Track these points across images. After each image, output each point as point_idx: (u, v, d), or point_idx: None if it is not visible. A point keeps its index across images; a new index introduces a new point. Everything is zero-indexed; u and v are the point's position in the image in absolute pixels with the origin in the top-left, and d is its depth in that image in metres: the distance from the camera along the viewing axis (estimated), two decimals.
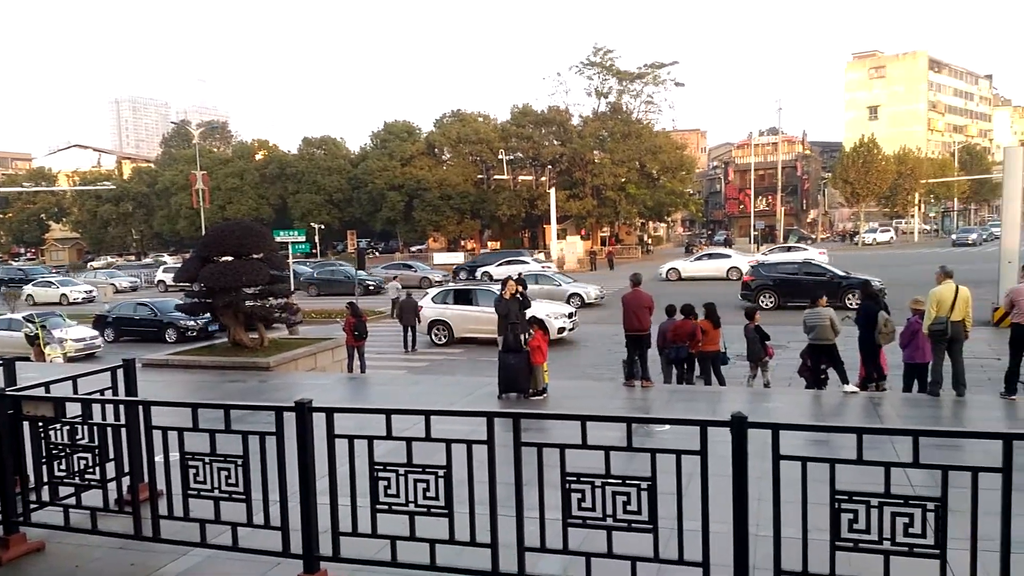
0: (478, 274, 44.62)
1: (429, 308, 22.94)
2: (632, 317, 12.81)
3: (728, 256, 42.70)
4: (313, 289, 42.04)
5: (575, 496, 4.43)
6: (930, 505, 3.93)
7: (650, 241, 76.50)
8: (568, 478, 4.43)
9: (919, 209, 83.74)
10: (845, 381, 11.93)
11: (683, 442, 4.35)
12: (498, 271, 41.69)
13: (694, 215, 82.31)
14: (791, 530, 4.11)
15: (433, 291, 24.79)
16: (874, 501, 3.98)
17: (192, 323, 25.57)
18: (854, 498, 4.02)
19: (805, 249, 49.32)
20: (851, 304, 24.75)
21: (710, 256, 43.99)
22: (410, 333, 21.86)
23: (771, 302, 27.25)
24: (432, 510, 4.70)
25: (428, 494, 4.71)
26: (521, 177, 64.25)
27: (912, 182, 76.48)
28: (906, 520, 3.95)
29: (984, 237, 63.21)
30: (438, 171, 69.41)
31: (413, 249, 75.36)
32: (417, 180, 67.73)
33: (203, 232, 27.81)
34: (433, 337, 22.67)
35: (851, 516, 4.02)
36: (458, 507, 4.64)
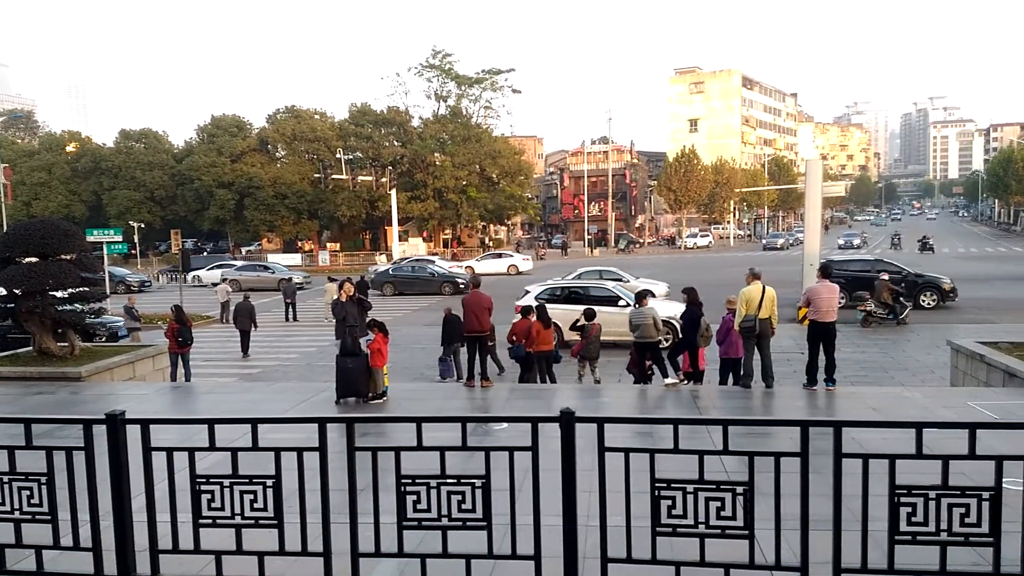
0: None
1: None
2: (472, 318, 12.95)
3: (511, 256, 52.63)
4: (389, 288, 37.59)
5: (410, 498, 4.42)
6: (739, 489, 4.25)
7: (491, 244, 77.63)
8: (403, 481, 4.41)
9: (734, 216, 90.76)
10: (665, 375, 12.70)
11: (518, 439, 4.45)
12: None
13: (533, 219, 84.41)
14: (617, 519, 4.31)
15: (537, 289, 21.51)
16: (690, 488, 4.26)
17: None
18: (672, 485, 4.28)
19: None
20: (927, 304, 25.35)
21: (495, 256, 53.17)
22: (246, 338, 20.93)
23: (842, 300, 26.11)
24: (260, 521, 4.53)
25: (256, 505, 4.53)
26: (361, 177, 63.11)
27: (728, 191, 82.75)
28: (719, 504, 4.25)
29: (791, 242, 69.36)
30: (272, 169, 66.77)
31: (245, 250, 72.04)
32: (249, 178, 64.79)
33: (2, 230, 25.10)
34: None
35: (670, 503, 4.28)
36: (290, 517, 4.50)
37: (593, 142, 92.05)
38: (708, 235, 79.72)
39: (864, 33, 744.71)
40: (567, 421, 4.25)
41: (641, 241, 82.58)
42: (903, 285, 24.89)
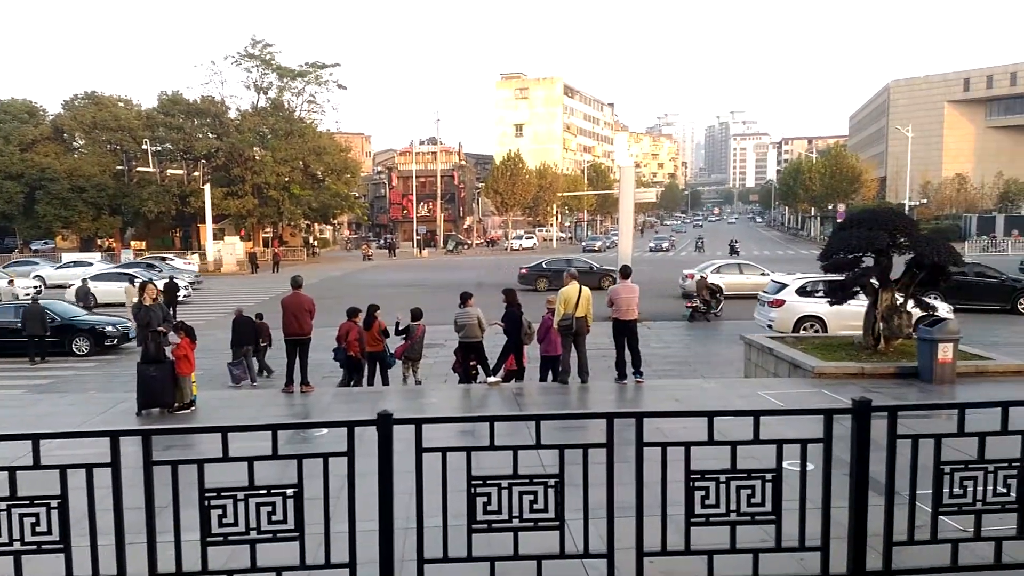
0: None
1: (797, 302, 19.50)
2: (291, 320, 12.51)
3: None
4: (544, 283, 35.10)
5: (215, 512, 4.19)
6: (551, 482, 4.41)
7: (316, 243, 75.34)
8: (208, 495, 4.18)
9: (557, 219, 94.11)
10: (488, 374, 12.94)
11: (337, 445, 4.34)
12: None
13: (360, 218, 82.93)
14: (436, 519, 4.33)
15: (798, 283, 20.43)
16: (504, 483, 4.35)
17: None
18: (488, 482, 4.36)
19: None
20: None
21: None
22: (39, 344, 19.03)
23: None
24: (43, 547, 4.12)
25: (39, 529, 4.11)
26: (171, 171, 58.96)
27: (551, 195, 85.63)
28: (531, 497, 4.39)
29: (608, 244, 72.87)
30: (68, 160, 60.85)
31: (35, 247, 65.25)
32: (41, 169, 58.65)
33: None
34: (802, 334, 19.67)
35: (485, 499, 4.35)
36: (81, 539, 4.12)
37: (422, 142, 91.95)
38: (533, 237, 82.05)
39: (674, 49, 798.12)
40: (384, 423, 4.20)
41: (469, 243, 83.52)
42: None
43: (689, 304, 25.30)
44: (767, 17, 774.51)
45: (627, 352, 12.33)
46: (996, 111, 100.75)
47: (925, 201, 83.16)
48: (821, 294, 18.43)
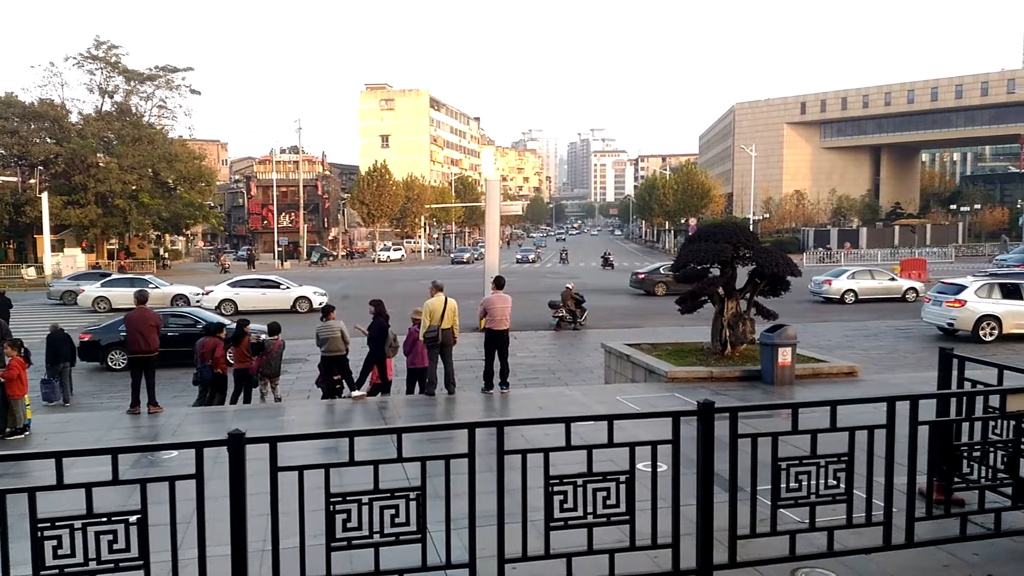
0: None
1: (976, 303, 21.13)
2: (138, 338, 11.77)
3: None
4: (662, 288, 36.09)
5: (49, 544, 3.88)
6: (412, 495, 4.38)
7: (167, 255, 71.29)
8: (40, 525, 3.86)
9: (425, 230, 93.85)
10: (352, 388, 12.71)
11: (186, 468, 4.13)
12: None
13: (216, 229, 79.27)
14: (294, 539, 4.20)
15: (976, 284, 21.92)
16: (365, 499, 4.29)
17: None
18: (348, 498, 4.28)
19: None
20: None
21: None
22: None
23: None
24: None
25: None
26: (3, 178, 54.19)
27: (419, 206, 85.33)
28: (393, 511, 4.34)
29: (476, 256, 73.40)
30: None
31: None
32: None
33: None
34: (981, 334, 20.74)
35: (345, 516, 4.27)
36: None
37: (283, 151, 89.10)
38: (401, 249, 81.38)
39: (538, 67, 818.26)
40: (236, 443, 4.04)
41: (335, 254, 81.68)
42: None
43: (556, 314, 25.93)
44: (625, 38, 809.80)
45: (496, 362, 12.46)
46: (829, 133, 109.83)
47: (768, 216, 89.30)
48: (999, 295, 21.29)
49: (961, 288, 21.81)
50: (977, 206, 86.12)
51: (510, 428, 4.58)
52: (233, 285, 32.58)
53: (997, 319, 20.95)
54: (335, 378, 12.97)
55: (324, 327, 12.83)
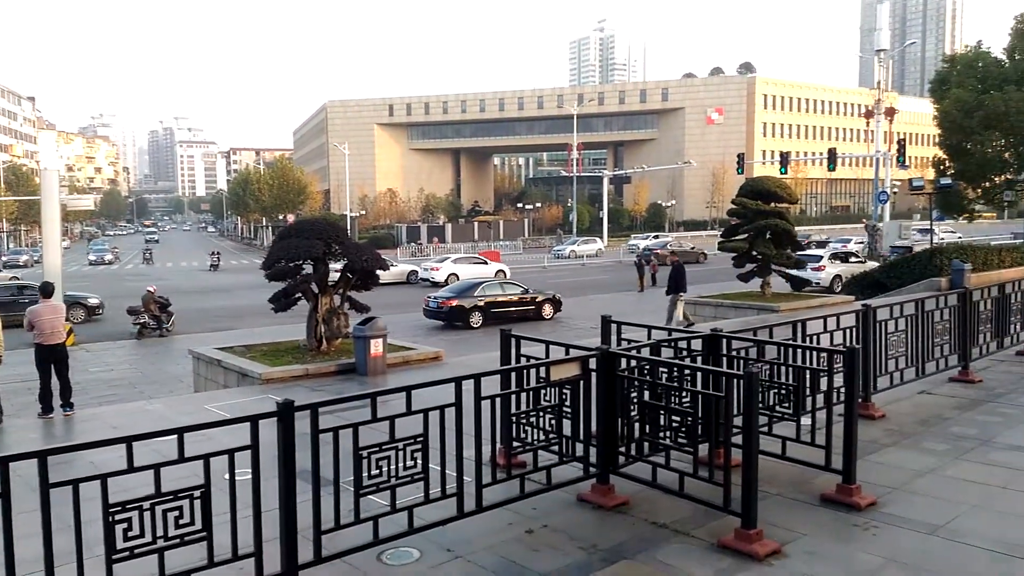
0: None
1: (831, 267, 29.69)
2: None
3: None
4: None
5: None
6: None
7: None
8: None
9: None
10: None
11: None
12: None
13: None
14: None
15: (828, 253, 31.52)
16: None
17: None
18: None
19: None
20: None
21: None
22: None
23: None
24: None
25: None
26: None
27: None
28: None
29: (36, 258, 63.08)
30: None
31: None
32: None
33: None
34: (834, 286, 26.86)
35: None
36: None
37: None
38: None
39: (108, 45, 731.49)
40: None
41: None
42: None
43: (136, 321, 23.51)
44: (210, 20, 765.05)
45: (55, 380, 10.80)
46: (416, 135, 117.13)
47: (364, 213, 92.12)
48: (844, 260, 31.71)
49: (820, 258, 31.15)
50: (539, 205, 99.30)
51: (72, 455, 3.97)
52: None
53: (840, 276, 29.59)
54: None
55: None
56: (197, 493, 4.34)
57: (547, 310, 25.16)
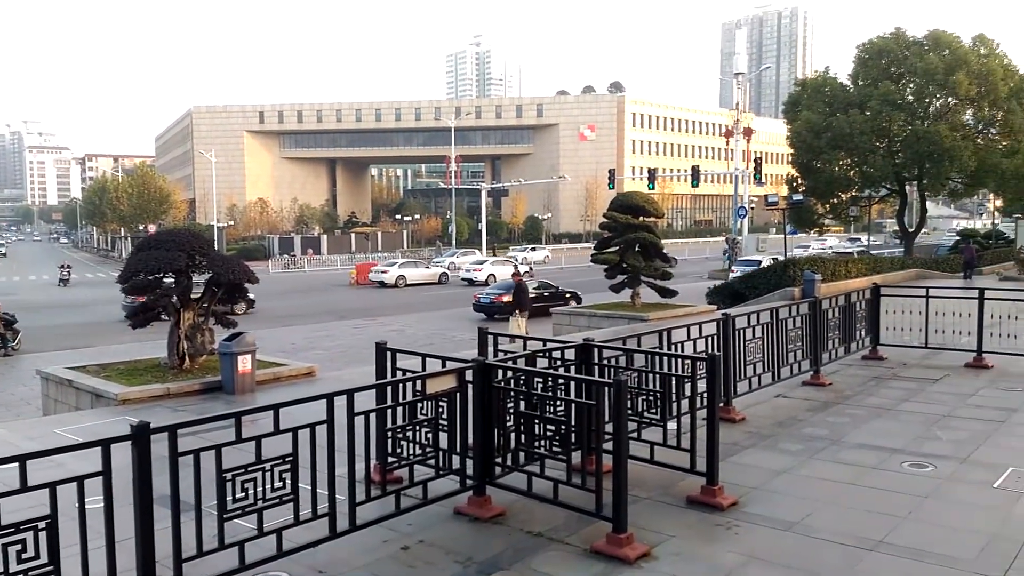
0: None
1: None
2: None
3: None
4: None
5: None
6: None
7: None
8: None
9: None
10: None
11: None
12: None
13: None
14: None
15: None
16: None
17: None
18: None
19: None
20: None
21: None
22: None
23: None
24: None
25: None
26: None
27: None
28: None
29: None
30: None
31: None
32: None
33: None
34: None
35: None
36: None
37: None
38: None
39: None
40: None
41: None
42: None
43: None
44: (66, 17, 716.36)
45: None
46: (288, 144, 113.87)
47: (233, 223, 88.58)
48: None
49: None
50: (418, 216, 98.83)
51: None
52: None
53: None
54: None
55: None
56: (42, 524, 4.01)
57: (572, 304, 27.45)
